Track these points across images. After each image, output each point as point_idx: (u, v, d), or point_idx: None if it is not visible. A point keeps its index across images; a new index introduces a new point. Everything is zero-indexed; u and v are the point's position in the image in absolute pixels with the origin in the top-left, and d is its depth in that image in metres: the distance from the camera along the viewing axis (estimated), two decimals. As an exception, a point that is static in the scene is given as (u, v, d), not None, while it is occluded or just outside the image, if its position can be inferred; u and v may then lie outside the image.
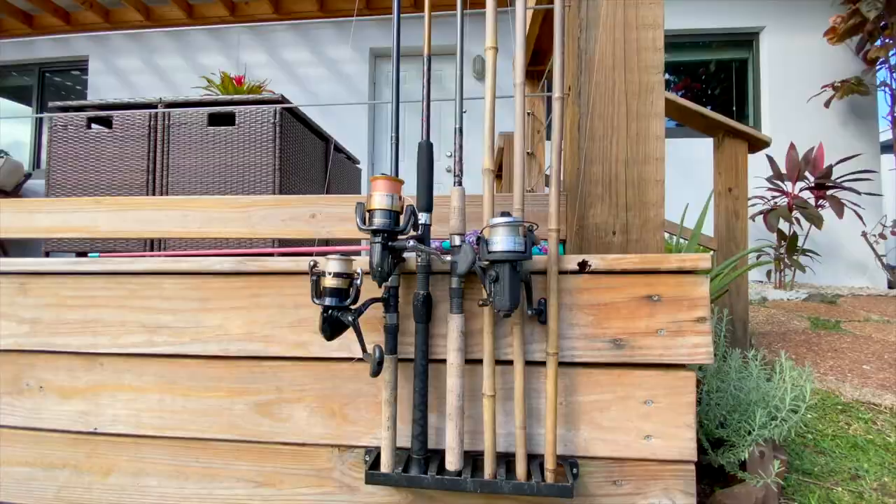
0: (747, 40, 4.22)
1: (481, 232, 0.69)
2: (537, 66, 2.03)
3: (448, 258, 0.67)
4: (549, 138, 1.74)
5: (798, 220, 3.44)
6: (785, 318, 2.49)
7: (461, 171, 0.75)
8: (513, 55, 0.74)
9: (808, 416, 1.40)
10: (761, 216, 3.48)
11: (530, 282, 0.71)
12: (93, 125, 2.04)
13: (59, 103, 2.09)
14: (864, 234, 3.61)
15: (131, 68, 4.57)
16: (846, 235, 3.77)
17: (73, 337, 0.83)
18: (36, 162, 4.80)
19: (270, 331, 0.79)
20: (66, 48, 4.65)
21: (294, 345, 0.78)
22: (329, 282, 0.65)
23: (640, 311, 0.73)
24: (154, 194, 1.97)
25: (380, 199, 0.65)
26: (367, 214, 0.65)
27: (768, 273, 3.82)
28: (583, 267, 0.73)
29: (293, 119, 2.10)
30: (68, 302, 0.84)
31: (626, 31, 0.79)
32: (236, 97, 1.96)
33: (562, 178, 0.80)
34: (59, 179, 2.02)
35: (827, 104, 3.74)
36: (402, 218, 0.65)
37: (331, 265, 0.65)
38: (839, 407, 1.48)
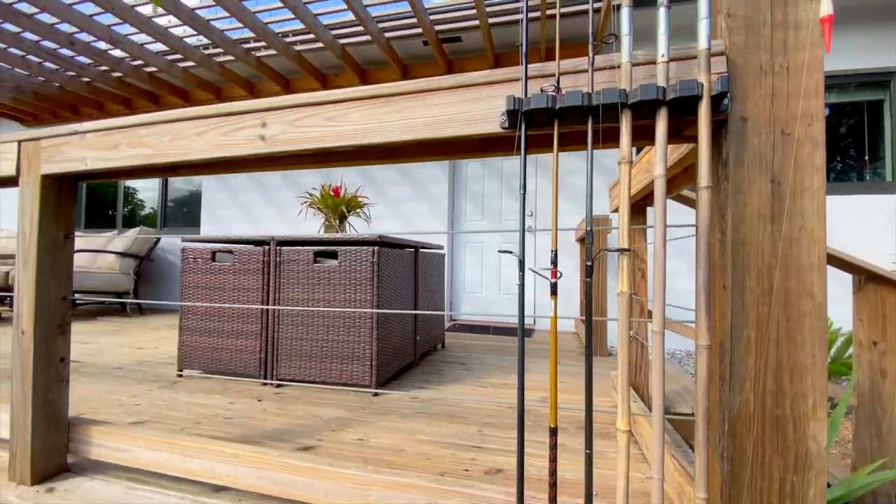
0: (883, 80, 3.65)
1: None
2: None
3: None
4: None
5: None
6: (941, 457, 2.11)
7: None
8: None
9: None
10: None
11: None
12: (216, 258, 2.29)
13: (189, 236, 2.37)
14: None
15: (238, 139, 5.05)
16: None
17: None
18: (163, 222, 5.50)
19: None
20: (186, 122, 5.25)
21: None
22: None
23: None
24: (268, 325, 2.16)
25: None
26: None
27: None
28: None
29: (389, 247, 2.19)
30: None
31: (778, 396, 0.71)
32: (339, 237, 2.09)
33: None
34: (190, 307, 2.29)
35: None
36: None
37: None
38: None
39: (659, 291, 0.69)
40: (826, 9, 0.59)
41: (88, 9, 3.55)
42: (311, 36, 3.87)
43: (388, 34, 3.82)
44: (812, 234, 0.71)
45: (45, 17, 3.72)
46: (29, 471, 1.20)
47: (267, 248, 2.18)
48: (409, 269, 2.53)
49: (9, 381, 2.06)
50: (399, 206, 4.50)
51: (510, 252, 0.76)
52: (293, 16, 3.39)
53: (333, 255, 2.13)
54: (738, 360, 0.73)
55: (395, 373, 2.30)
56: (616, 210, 1.96)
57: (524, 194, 0.76)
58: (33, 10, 3.58)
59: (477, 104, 0.84)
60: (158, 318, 4.51)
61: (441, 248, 3.06)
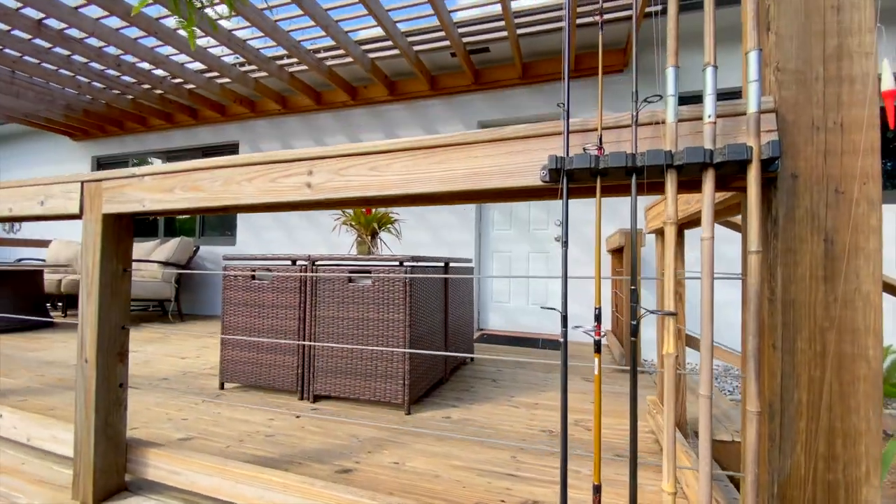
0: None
1: None
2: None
3: None
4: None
5: None
6: None
7: None
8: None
9: None
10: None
11: None
12: (255, 276, 2.38)
13: (231, 254, 2.46)
14: None
15: (271, 150, 5.21)
16: None
17: None
18: (202, 231, 5.72)
19: None
20: (221, 135, 5.46)
21: None
22: None
23: None
24: (304, 340, 2.23)
25: None
26: None
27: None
28: None
29: (419, 266, 2.22)
30: None
31: (830, 461, 0.70)
32: (372, 257, 2.13)
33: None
34: (232, 321, 2.38)
35: None
36: None
37: None
38: None
39: (706, 357, 0.68)
40: (890, 83, 0.57)
41: (133, 32, 3.73)
42: (341, 51, 3.95)
43: (416, 47, 3.86)
44: (868, 296, 0.69)
45: (94, 41, 3.93)
46: (91, 490, 1.28)
47: (304, 266, 2.25)
48: (439, 284, 2.56)
49: (68, 392, 2.21)
50: (426, 215, 4.54)
51: (553, 308, 0.77)
52: (325, 33, 3.47)
53: (367, 274, 2.18)
54: (789, 423, 0.72)
55: (426, 389, 2.33)
56: (652, 231, 1.94)
57: (566, 251, 0.77)
58: (82, 34, 3.79)
59: (517, 157, 0.85)
60: (199, 324, 4.70)
61: (469, 260, 3.08)
